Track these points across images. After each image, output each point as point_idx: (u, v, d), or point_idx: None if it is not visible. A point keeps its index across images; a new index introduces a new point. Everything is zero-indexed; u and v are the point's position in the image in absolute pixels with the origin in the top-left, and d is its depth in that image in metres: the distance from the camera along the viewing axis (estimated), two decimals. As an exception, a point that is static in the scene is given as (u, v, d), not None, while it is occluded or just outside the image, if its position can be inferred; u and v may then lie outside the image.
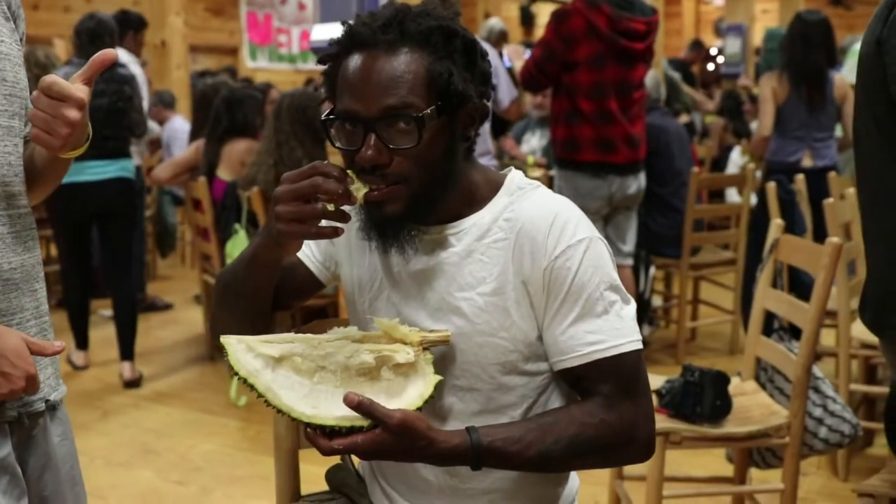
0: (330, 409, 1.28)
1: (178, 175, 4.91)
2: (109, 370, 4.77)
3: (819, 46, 4.82)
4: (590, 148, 3.93)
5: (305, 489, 1.80)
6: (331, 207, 1.31)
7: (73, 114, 1.37)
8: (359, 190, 1.32)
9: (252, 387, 1.31)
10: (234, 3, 13.01)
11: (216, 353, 4.98)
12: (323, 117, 1.43)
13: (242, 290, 1.51)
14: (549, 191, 1.51)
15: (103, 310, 5.46)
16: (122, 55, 5.60)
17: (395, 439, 1.27)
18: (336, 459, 1.70)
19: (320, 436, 1.28)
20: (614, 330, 1.40)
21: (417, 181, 1.37)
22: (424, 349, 1.37)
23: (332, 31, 3.40)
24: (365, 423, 1.27)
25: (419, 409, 1.31)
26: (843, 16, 14.07)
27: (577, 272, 1.39)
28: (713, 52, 15.82)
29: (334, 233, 1.34)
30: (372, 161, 1.34)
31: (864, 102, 1.65)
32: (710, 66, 13.99)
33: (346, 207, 1.36)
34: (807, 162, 4.94)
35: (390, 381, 1.34)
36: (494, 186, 1.49)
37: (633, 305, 1.45)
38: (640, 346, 1.42)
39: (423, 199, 1.39)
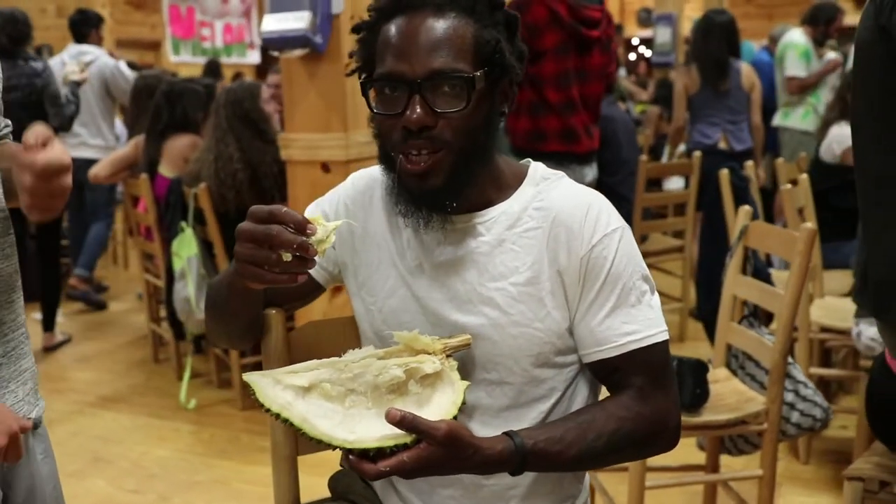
0: (368, 431, 1.24)
1: (117, 172, 4.75)
2: (49, 377, 4.61)
3: (722, 40, 5.33)
4: (555, 139, 3.89)
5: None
6: (287, 257, 1.23)
7: (67, 182, 1.29)
8: (320, 242, 1.24)
9: (286, 421, 1.26)
10: (154, -3, 12.72)
11: (161, 354, 4.86)
12: (362, 80, 1.38)
13: (227, 309, 1.48)
14: (572, 181, 1.48)
15: (34, 313, 5.28)
16: (94, 50, 6.03)
17: (442, 451, 1.21)
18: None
19: (364, 460, 1.22)
20: (648, 320, 1.39)
21: (458, 150, 1.34)
22: (448, 356, 1.33)
23: (283, 21, 3.36)
24: (407, 439, 1.22)
25: (454, 417, 1.27)
26: (764, 5, 14.34)
27: (614, 261, 1.38)
28: (634, 41, 16.05)
29: (291, 280, 1.26)
30: (420, 123, 1.30)
31: (864, 89, 1.64)
32: (632, 56, 14.16)
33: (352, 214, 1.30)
34: (723, 145, 5.38)
35: (419, 394, 1.31)
36: (518, 176, 1.47)
37: (657, 295, 1.44)
38: (668, 335, 1.41)
39: (463, 173, 1.36)
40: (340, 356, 1.35)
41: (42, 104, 4.89)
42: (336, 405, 1.29)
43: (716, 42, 5.34)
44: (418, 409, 1.27)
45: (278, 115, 4.38)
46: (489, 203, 1.43)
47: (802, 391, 2.66)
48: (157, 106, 4.56)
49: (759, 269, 2.95)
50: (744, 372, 2.69)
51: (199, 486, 3.36)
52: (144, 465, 3.54)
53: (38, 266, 5.06)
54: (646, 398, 1.38)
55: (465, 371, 1.40)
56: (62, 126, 5.02)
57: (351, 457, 1.23)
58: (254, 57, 13.43)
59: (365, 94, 1.38)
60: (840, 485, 3.12)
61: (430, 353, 1.32)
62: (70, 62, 5.57)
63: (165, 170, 4.49)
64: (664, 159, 6.36)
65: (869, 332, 2.84)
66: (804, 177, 3.76)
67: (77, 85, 5.31)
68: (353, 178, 1.58)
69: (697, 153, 4.95)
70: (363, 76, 1.40)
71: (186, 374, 4.16)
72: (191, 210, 4.06)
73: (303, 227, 1.22)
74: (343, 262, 1.54)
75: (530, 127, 3.95)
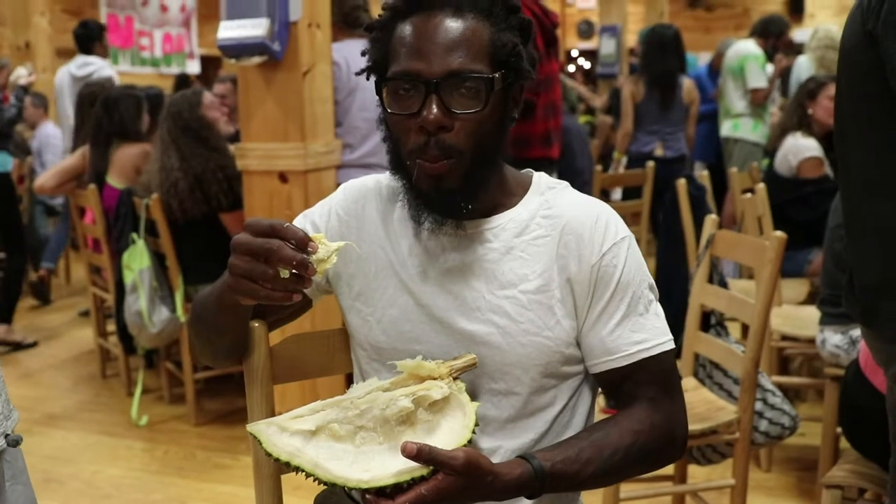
0: (383, 467, 1.20)
1: (64, 183, 4.61)
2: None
3: (671, 55, 5.67)
4: (537, 144, 3.87)
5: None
6: (285, 273, 1.19)
7: None
8: (320, 262, 1.20)
9: (298, 468, 1.22)
10: (93, 5, 12.44)
11: (109, 370, 4.74)
12: (375, 80, 1.35)
13: (214, 325, 1.42)
14: (576, 190, 1.47)
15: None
16: (96, 61, 6.17)
17: (461, 481, 1.18)
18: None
19: (382, 498, 1.18)
20: (655, 328, 1.39)
21: (471, 155, 1.31)
22: (454, 379, 1.30)
23: (240, 28, 3.29)
24: (424, 471, 1.18)
25: (469, 441, 1.23)
26: (702, 18, 14.57)
27: (623, 270, 1.37)
28: (574, 53, 16.20)
29: (287, 297, 1.21)
30: (437, 123, 1.28)
31: (850, 94, 1.63)
32: (572, 68, 14.29)
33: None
34: (658, 152, 5.75)
35: (429, 421, 1.27)
36: (522, 184, 1.46)
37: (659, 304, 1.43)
38: (674, 344, 1.41)
39: (477, 177, 1.34)
40: (332, 385, 1.31)
41: None
42: (346, 445, 1.25)
43: (667, 56, 5.66)
44: (430, 437, 1.24)
45: (227, 119, 4.28)
46: (496, 209, 1.42)
47: (770, 399, 2.66)
48: (97, 115, 4.48)
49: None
50: (711, 381, 2.69)
51: (155, 505, 3.26)
52: (98, 486, 3.43)
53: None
54: (657, 409, 1.37)
55: (472, 381, 1.37)
56: (0, 129, 4.97)
57: (368, 496, 1.19)
58: (193, 67, 13.24)
59: (378, 93, 1.35)
60: (803, 492, 3.18)
61: (435, 378, 1.29)
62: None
63: (114, 180, 4.39)
64: (611, 168, 6.40)
65: (833, 340, 2.86)
66: (762, 186, 3.79)
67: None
68: (345, 188, 1.54)
69: (651, 163, 4.99)
70: (375, 76, 1.37)
71: (138, 390, 4.05)
72: (142, 221, 3.96)
73: (304, 243, 1.19)
74: (336, 275, 1.49)
75: (516, 133, 3.92)
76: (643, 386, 1.38)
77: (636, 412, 1.37)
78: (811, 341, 3.38)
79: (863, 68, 1.58)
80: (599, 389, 1.49)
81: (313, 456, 1.23)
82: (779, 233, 2.41)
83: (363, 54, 1.41)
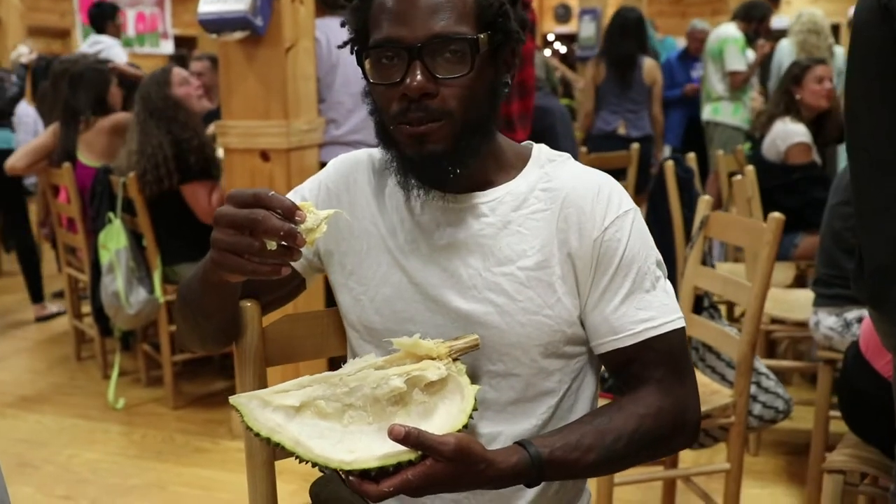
0: (369, 449, 1.13)
1: (36, 162, 4.49)
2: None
3: (630, 37, 5.87)
4: (518, 124, 3.81)
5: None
6: (272, 245, 1.10)
7: None
8: (309, 231, 1.11)
9: (278, 445, 1.15)
10: (67, -17, 12.27)
11: (84, 352, 4.64)
12: (355, 50, 1.28)
13: (200, 308, 1.34)
14: (578, 162, 1.39)
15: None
16: (106, 40, 6.26)
17: (451, 468, 1.10)
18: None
19: (366, 481, 1.11)
20: (663, 306, 1.32)
21: (461, 119, 1.24)
22: (454, 360, 1.22)
23: (221, 2, 3.20)
24: (412, 455, 1.11)
25: (465, 426, 1.16)
26: (679, 3, 14.58)
27: (628, 244, 1.30)
28: (550, 37, 16.13)
29: (275, 271, 1.12)
30: (421, 89, 1.20)
31: (862, 72, 1.58)
32: (548, 52, 14.24)
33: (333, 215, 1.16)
34: (622, 130, 5.96)
35: (425, 403, 1.19)
36: (521, 156, 1.38)
37: (668, 281, 1.36)
38: (684, 322, 1.34)
39: (465, 142, 1.26)
40: (326, 361, 1.24)
41: None
42: (333, 423, 1.18)
43: (627, 38, 5.86)
44: (424, 420, 1.17)
45: (201, 94, 4.17)
46: (491, 183, 1.35)
47: (764, 383, 2.62)
48: (63, 92, 4.37)
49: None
50: (704, 364, 2.65)
51: (134, 490, 3.18)
52: (74, 470, 3.34)
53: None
54: (666, 392, 1.30)
55: (470, 363, 1.30)
56: (3, 108, 4.91)
57: (351, 478, 1.11)
58: (167, 47, 13.05)
59: (360, 64, 1.27)
60: (792, 476, 3.15)
61: (434, 359, 1.21)
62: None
63: (85, 157, 4.29)
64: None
65: (828, 322, 2.82)
66: (751, 168, 3.75)
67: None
68: (335, 162, 1.47)
69: (636, 145, 4.94)
70: (357, 47, 1.29)
71: (115, 373, 3.96)
72: (119, 200, 3.86)
73: (291, 212, 1.10)
74: (328, 251, 1.42)
75: (502, 112, 3.85)
76: (650, 367, 1.31)
77: (643, 395, 1.30)
78: (799, 324, 3.36)
79: (876, 44, 1.52)
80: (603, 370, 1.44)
81: (295, 433, 1.16)
82: (777, 214, 2.35)
83: (343, 25, 1.33)
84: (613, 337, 1.31)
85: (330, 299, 1.50)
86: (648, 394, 1.30)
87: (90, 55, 5.14)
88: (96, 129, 4.33)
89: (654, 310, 1.31)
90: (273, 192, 1.11)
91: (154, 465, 3.36)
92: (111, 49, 6.12)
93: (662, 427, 1.29)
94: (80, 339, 4.66)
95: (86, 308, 4.60)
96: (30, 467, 3.36)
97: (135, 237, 3.90)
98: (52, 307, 5.46)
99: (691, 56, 7.58)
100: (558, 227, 1.31)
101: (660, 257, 1.36)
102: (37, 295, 5.43)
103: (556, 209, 1.32)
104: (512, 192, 1.34)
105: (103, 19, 6.41)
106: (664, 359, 1.31)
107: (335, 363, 1.37)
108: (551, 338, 1.31)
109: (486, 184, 1.34)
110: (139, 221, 3.81)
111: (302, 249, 1.13)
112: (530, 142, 1.43)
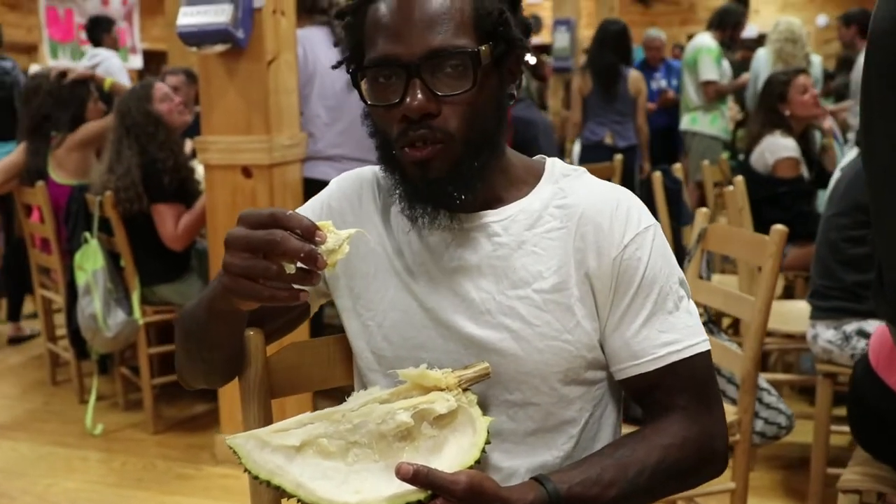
0: (376, 489, 1.07)
1: (7, 181, 4.38)
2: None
3: (610, 49, 5.92)
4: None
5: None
6: (290, 269, 1.03)
7: None
8: (330, 253, 1.03)
9: (279, 488, 1.09)
10: (32, -3, 12.11)
11: (59, 375, 4.52)
12: (350, 70, 1.21)
13: (206, 339, 1.25)
14: (594, 176, 1.32)
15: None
16: (103, 52, 6.29)
17: None
18: None
19: None
20: (688, 328, 1.24)
21: (463, 140, 1.17)
22: (465, 390, 1.15)
23: (202, 14, 3.11)
24: (421, 495, 1.04)
25: (478, 461, 1.09)
26: (649, 13, 14.72)
27: (649, 263, 1.23)
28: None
29: (294, 297, 1.05)
30: (421, 110, 1.13)
31: (879, 83, 1.53)
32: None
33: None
34: (608, 140, 5.99)
35: (434, 438, 1.13)
36: (533, 172, 1.31)
37: (692, 301, 1.29)
38: (709, 345, 1.27)
39: (470, 164, 1.18)
40: (333, 394, 1.16)
41: (12, 101, 5.08)
42: (337, 462, 1.11)
43: (608, 50, 5.91)
44: (433, 456, 1.10)
45: (180, 110, 4.08)
46: (502, 200, 1.28)
47: (766, 398, 2.58)
48: (32, 107, 4.30)
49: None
50: (704, 380, 2.59)
51: (115, 520, 3.08)
52: (51, 500, 3.22)
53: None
54: (692, 421, 1.23)
55: (484, 392, 1.23)
56: None
57: None
58: (136, 62, 12.91)
59: (356, 85, 1.20)
60: (790, 491, 3.11)
61: (442, 389, 1.14)
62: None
63: (57, 175, 4.18)
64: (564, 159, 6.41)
65: (826, 335, 2.78)
66: (740, 178, 3.71)
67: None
68: (338, 181, 1.40)
69: (619, 155, 4.91)
70: (353, 66, 1.22)
71: (92, 397, 3.85)
72: (95, 219, 3.76)
73: (311, 232, 1.02)
74: (334, 275, 1.34)
75: None
76: (674, 394, 1.24)
77: (666, 424, 1.23)
78: (789, 336, 3.32)
79: (893, 53, 1.47)
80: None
81: (297, 474, 1.09)
82: (780, 226, 2.30)
83: (336, 45, 1.26)
84: (634, 362, 1.24)
85: (316, 330, 1.42)
86: (673, 422, 1.23)
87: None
88: (66, 147, 4.25)
89: (677, 332, 1.24)
90: (291, 211, 1.04)
91: (135, 494, 3.26)
92: (109, 61, 6.11)
93: (688, 458, 1.22)
94: (55, 363, 4.53)
95: (60, 331, 4.48)
96: (6, 498, 3.24)
97: (112, 257, 3.79)
98: (27, 329, 5.33)
99: (649, 66, 7.61)
100: (575, 247, 1.24)
101: (682, 276, 1.29)
102: (14, 313, 5.31)
103: (573, 227, 1.25)
104: (525, 209, 1.27)
105: (99, 32, 6.47)
106: (689, 384, 1.24)
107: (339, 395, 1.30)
108: (571, 364, 1.24)
109: (496, 201, 1.27)
110: (116, 241, 3.70)
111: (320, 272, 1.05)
112: (543, 156, 1.36)
